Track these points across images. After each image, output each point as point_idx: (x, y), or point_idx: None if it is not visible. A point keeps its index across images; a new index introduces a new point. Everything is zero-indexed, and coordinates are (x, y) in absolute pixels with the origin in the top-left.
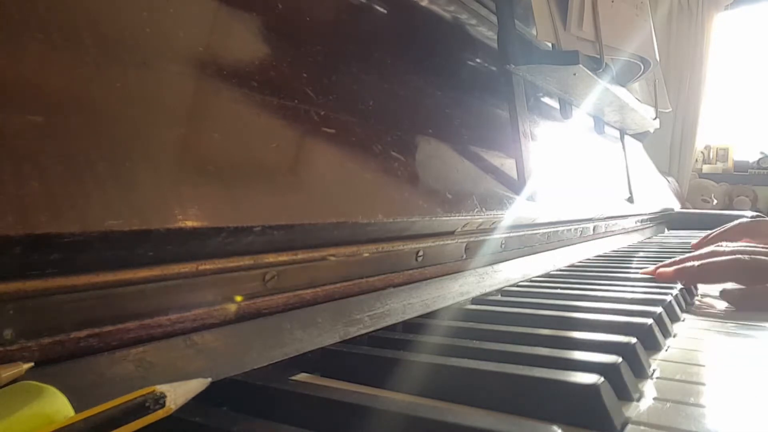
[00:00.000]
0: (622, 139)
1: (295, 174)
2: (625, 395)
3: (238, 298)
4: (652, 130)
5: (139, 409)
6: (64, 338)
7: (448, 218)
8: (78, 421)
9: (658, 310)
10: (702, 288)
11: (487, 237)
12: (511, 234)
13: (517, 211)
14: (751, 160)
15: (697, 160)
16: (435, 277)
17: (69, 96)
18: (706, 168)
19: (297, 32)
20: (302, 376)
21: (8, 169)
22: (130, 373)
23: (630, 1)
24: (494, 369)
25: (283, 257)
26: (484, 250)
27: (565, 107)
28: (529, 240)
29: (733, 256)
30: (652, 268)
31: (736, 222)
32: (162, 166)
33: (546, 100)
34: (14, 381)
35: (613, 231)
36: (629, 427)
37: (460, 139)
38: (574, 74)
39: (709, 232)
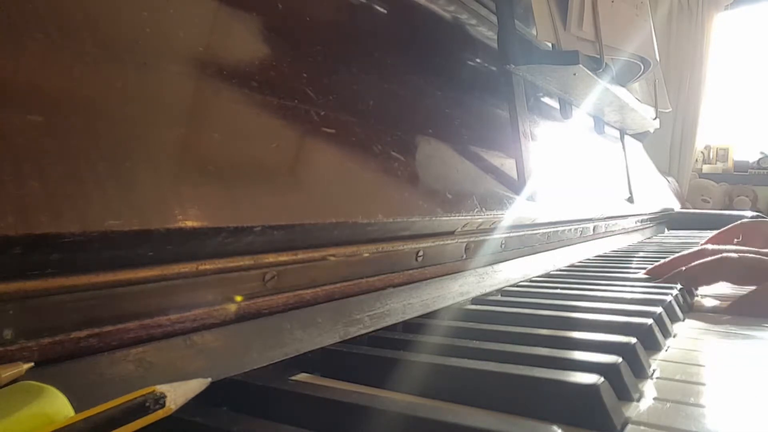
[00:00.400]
0: (622, 139)
1: (295, 174)
2: (625, 395)
3: (238, 298)
4: (652, 130)
5: (139, 409)
6: (64, 338)
7: (448, 218)
8: (78, 421)
9: (658, 310)
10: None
11: (487, 237)
12: (511, 234)
13: (517, 211)
14: (751, 160)
15: (697, 160)
16: (435, 277)
17: (69, 96)
18: (706, 168)
19: (297, 32)
20: (302, 376)
21: (8, 169)
22: (130, 373)
23: (630, 1)
24: (494, 369)
25: (283, 257)
26: (484, 250)
27: (565, 107)
28: (529, 240)
29: (720, 255)
30: (646, 270)
31: (737, 222)
32: (162, 166)
33: (546, 100)
34: (14, 381)
35: (613, 231)
36: (629, 427)
37: (460, 139)
38: (574, 74)
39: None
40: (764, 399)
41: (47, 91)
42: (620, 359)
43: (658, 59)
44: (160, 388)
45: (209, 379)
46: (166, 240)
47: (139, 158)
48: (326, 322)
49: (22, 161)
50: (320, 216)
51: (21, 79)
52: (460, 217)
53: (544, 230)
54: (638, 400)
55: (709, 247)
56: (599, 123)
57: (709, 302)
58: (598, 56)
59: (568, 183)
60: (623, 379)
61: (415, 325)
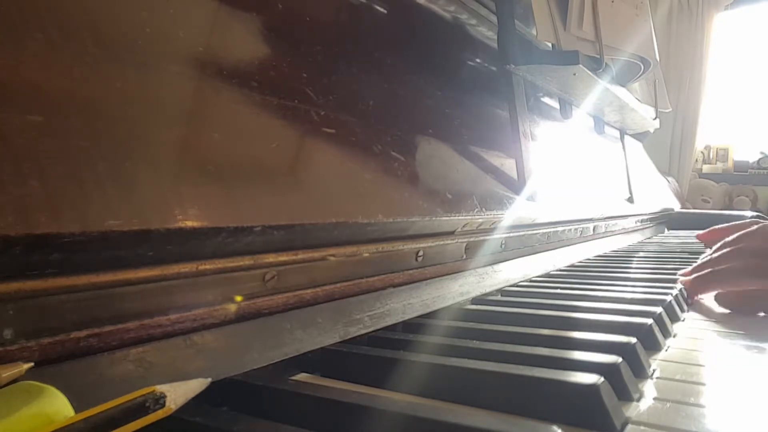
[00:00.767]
0: (622, 139)
1: (295, 174)
2: (625, 395)
3: (238, 298)
4: (652, 130)
5: (139, 409)
6: (64, 338)
7: (448, 218)
8: (78, 421)
9: (658, 310)
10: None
11: (487, 237)
12: (511, 234)
13: (517, 211)
14: (751, 160)
15: (697, 160)
16: (435, 277)
17: (69, 96)
18: (706, 168)
19: (297, 32)
20: (302, 376)
21: (8, 169)
22: (130, 373)
23: (630, 1)
24: (494, 369)
25: (283, 257)
26: (484, 250)
27: (565, 107)
28: (529, 240)
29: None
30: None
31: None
32: (162, 166)
33: (546, 100)
34: (14, 381)
35: (613, 231)
36: (629, 427)
37: (460, 139)
38: (574, 74)
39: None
40: (764, 399)
41: (47, 91)
42: (620, 359)
43: (658, 59)
44: (160, 388)
45: (209, 379)
46: (166, 240)
47: (139, 158)
48: (326, 322)
49: (22, 161)
50: (320, 216)
51: (21, 79)
52: (460, 217)
53: (544, 230)
54: (638, 400)
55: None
56: (599, 123)
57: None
58: (598, 56)
59: (568, 183)
60: (623, 379)
61: (415, 325)
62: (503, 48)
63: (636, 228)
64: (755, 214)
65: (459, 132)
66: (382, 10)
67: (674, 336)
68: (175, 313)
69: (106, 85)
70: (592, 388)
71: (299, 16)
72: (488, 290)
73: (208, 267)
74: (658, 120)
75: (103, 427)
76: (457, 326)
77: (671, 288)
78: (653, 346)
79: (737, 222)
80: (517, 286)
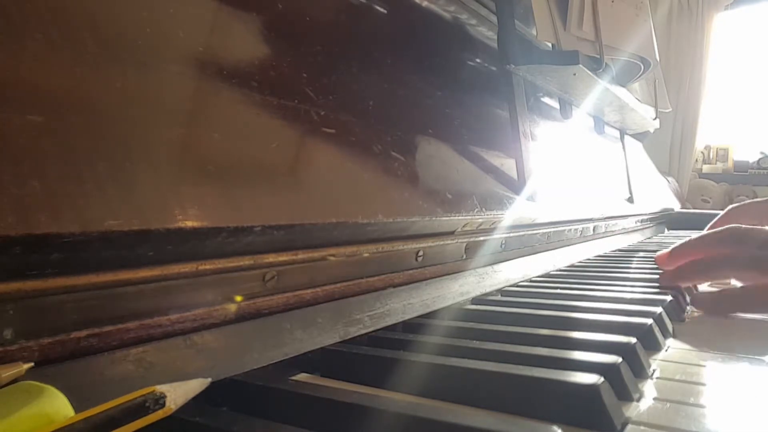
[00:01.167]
0: (622, 139)
1: (295, 174)
2: (625, 395)
3: (238, 298)
4: (652, 130)
5: (139, 409)
6: (64, 338)
7: (448, 218)
8: (78, 421)
9: (658, 310)
10: (702, 289)
11: (487, 237)
12: (511, 234)
13: (517, 211)
14: (751, 160)
15: (697, 160)
16: (435, 277)
17: (69, 96)
18: (706, 168)
19: (297, 32)
20: (302, 376)
21: (8, 169)
22: (130, 373)
23: (630, 1)
24: (494, 369)
25: (283, 257)
26: (484, 250)
27: (565, 107)
28: (529, 240)
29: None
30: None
31: (729, 208)
32: (162, 166)
33: (546, 100)
34: (14, 381)
35: (613, 231)
36: (629, 427)
37: (460, 139)
38: (574, 74)
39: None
40: (764, 399)
41: (47, 91)
42: (620, 359)
43: (658, 59)
44: (160, 388)
45: (209, 379)
46: (166, 240)
47: (139, 158)
48: (326, 322)
49: (22, 161)
50: (320, 216)
51: (21, 79)
52: (460, 217)
53: (544, 230)
54: (638, 400)
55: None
56: (599, 123)
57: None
58: (598, 56)
59: (568, 183)
60: (623, 379)
61: (415, 325)
62: (503, 48)
63: (636, 228)
64: None
65: (459, 132)
66: (382, 10)
67: (674, 336)
68: (175, 313)
69: (106, 85)
70: (592, 388)
71: (299, 16)
72: (488, 290)
73: (208, 267)
74: (658, 120)
75: (103, 427)
76: (457, 326)
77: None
78: (653, 346)
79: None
80: (517, 286)
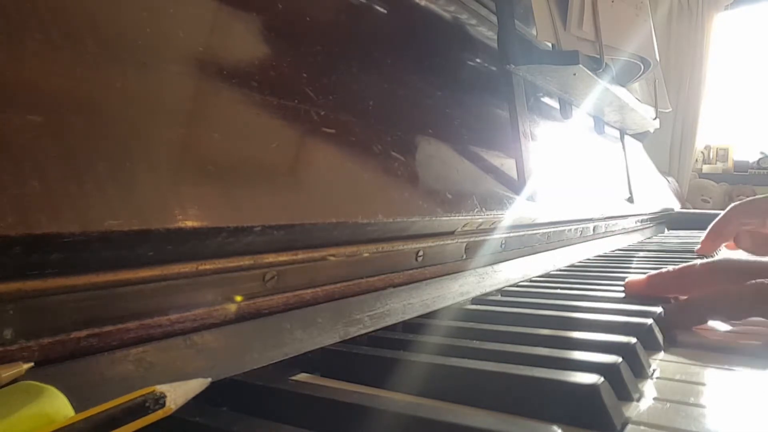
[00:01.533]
0: (622, 139)
1: (295, 174)
2: (625, 395)
3: (238, 298)
4: (652, 130)
5: (139, 409)
6: (64, 338)
7: (448, 218)
8: (78, 421)
9: (659, 310)
10: None
11: (487, 237)
12: (511, 234)
13: (517, 211)
14: (751, 160)
15: (697, 160)
16: (435, 277)
17: (69, 96)
18: (706, 168)
19: (297, 32)
20: (302, 376)
21: (8, 169)
22: (130, 373)
23: (630, 1)
24: (494, 369)
25: (283, 257)
26: (484, 250)
27: (565, 107)
28: (529, 240)
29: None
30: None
31: (731, 207)
32: (162, 166)
33: (546, 100)
34: (14, 381)
35: (613, 231)
36: (629, 427)
37: (460, 139)
38: (574, 74)
39: (707, 231)
40: (764, 399)
41: (47, 91)
42: (620, 359)
43: (658, 59)
44: (160, 388)
45: (209, 379)
46: (166, 240)
47: (139, 158)
48: (326, 322)
49: (22, 161)
50: (320, 216)
51: (21, 79)
52: (460, 217)
53: (544, 230)
54: (638, 400)
55: (698, 263)
56: (599, 123)
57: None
58: (598, 56)
59: (568, 183)
60: (623, 379)
61: (415, 325)
62: (503, 48)
63: (636, 228)
64: None
65: (459, 132)
66: (382, 10)
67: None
68: (175, 313)
69: (106, 85)
70: (592, 388)
71: (299, 16)
72: (488, 290)
73: (208, 267)
74: (658, 120)
75: (103, 427)
76: (457, 326)
77: None
78: (653, 346)
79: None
80: (517, 286)
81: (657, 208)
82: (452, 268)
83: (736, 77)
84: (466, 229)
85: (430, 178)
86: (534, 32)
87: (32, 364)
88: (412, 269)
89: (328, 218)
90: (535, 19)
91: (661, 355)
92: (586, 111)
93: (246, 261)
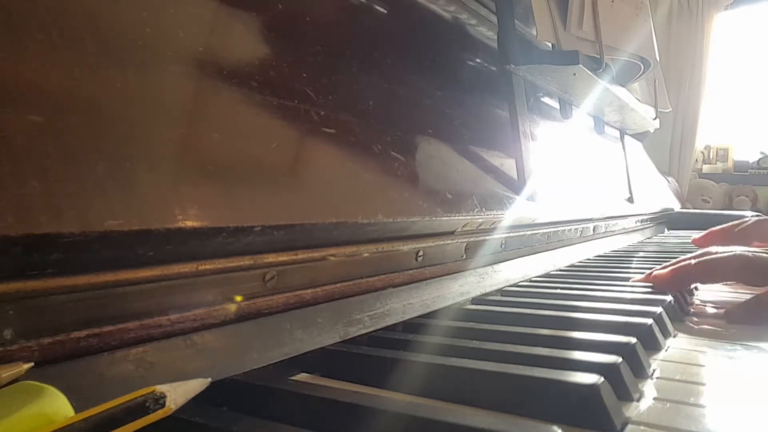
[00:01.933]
0: (622, 139)
1: (295, 174)
2: (625, 395)
3: (238, 298)
4: (652, 130)
5: (139, 409)
6: (64, 338)
7: (448, 218)
8: (78, 421)
9: (658, 310)
10: (702, 290)
11: (487, 237)
12: (511, 234)
13: (517, 211)
14: (751, 160)
15: (697, 160)
16: (435, 277)
17: (69, 96)
18: (706, 168)
19: (297, 32)
20: (302, 376)
21: (8, 169)
22: (130, 373)
23: (630, 1)
24: (494, 369)
25: (283, 257)
26: (484, 250)
27: (565, 107)
28: (529, 240)
29: (734, 252)
30: (644, 275)
31: (743, 221)
32: (162, 166)
33: (546, 100)
34: (14, 381)
35: (613, 231)
36: (629, 427)
37: (460, 139)
38: (574, 74)
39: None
40: (764, 399)
41: (47, 91)
42: (620, 359)
43: (658, 59)
44: (160, 388)
45: (209, 379)
46: (166, 240)
47: (139, 158)
48: (326, 322)
49: (22, 161)
50: (320, 216)
51: (21, 79)
52: (460, 217)
53: (544, 230)
54: (638, 400)
55: (713, 249)
56: (599, 123)
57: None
58: (598, 56)
59: (568, 183)
60: (623, 379)
61: (415, 325)
62: (503, 48)
63: (636, 228)
64: (755, 214)
65: (459, 132)
66: (382, 10)
67: (674, 336)
68: (175, 313)
69: (106, 85)
70: (592, 388)
71: (299, 16)
72: (488, 290)
73: (208, 267)
74: (658, 120)
75: (103, 427)
76: (457, 326)
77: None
78: (653, 346)
79: (734, 222)
80: (517, 286)
81: (657, 208)
82: (452, 268)
83: (736, 77)
84: (466, 229)
85: (430, 178)
86: (534, 32)
87: (32, 364)
88: (412, 269)
89: (328, 218)
90: (535, 19)
91: (662, 355)
92: (586, 111)
93: (246, 261)
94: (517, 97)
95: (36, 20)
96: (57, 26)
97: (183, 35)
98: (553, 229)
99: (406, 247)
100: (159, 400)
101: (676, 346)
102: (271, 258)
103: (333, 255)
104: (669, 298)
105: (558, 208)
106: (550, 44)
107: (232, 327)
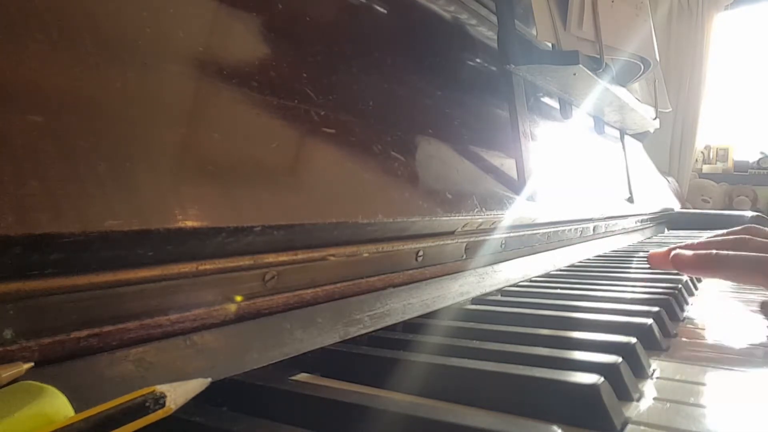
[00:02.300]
0: (622, 139)
1: (295, 174)
2: (625, 395)
3: (238, 298)
4: (652, 130)
5: (139, 409)
6: (64, 338)
7: (448, 218)
8: (78, 421)
9: (658, 310)
10: (701, 290)
11: (487, 237)
12: (511, 234)
13: (517, 211)
14: (751, 160)
15: (697, 160)
16: (435, 277)
17: (69, 96)
18: (706, 168)
19: (297, 32)
20: (302, 376)
21: (8, 169)
22: (130, 373)
23: (630, 1)
24: (494, 369)
25: (283, 257)
26: (484, 250)
27: (565, 107)
28: (529, 240)
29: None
30: (665, 249)
31: (744, 228)
32: (162, 166)
33: (546, 100)
34: (14, 381)
35: (613, 231)
36: (629, 427)
37: (460, 139)
38: (574, 74)
39: (714, 233)
40: (764, 399)
41: (47, 91)
42: (620, 359)
43: (658, 59)
44: (160, 388)
45: (209, 379)
46: (166, 240)
47: (139, 158)
48: (326, 322)
49: (22, 161)
50: (320, 216)
51: (21, 79)
52: (460, 217)
53: (544, 230)
54: (638, 400)
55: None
56: (599, 123)
57: (709, 300)
58: (598, 56)
59: (568, 183)
60: (623, 379)
61: (415, 325)
62: (503, 48)
63: (636, 228)
64: (755, 214)
65: (459, 132)
66: (382, 10)
67: (674, 336)
68: (175, 313)
69: (106, 85)
70: (592, 388)
71: (299, 16)
72: (488, 290)
73: (208, 267)
74: (658, 120)
75: (103, 427)
76: (457, 326)
77: (671, 288)
78: (653, 346)
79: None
80: (517, 286)
81: (657, 208)
82: (452, 268)
83: (736, 77)
84: (466, 229)
85: (430, 178)
86: (534, 32)
87: (32, 364)
88: (412, 269)
89: (328, 218)
90: (535, 19)
91: (662, 354)
92: (586, 111)
93: (246, 261)
94: (517, 97)
95: (36, 20)
96: (57, 26)
97: (183, 35)
98: (553, 229)
99: (406, 247)
100: (159, 400)
101: (677, 345)
102: (271, 258)
103: (333, 255)
104: (669, 298)
105: (558, 208)
106: (550, 44)
107: (232, 327)
